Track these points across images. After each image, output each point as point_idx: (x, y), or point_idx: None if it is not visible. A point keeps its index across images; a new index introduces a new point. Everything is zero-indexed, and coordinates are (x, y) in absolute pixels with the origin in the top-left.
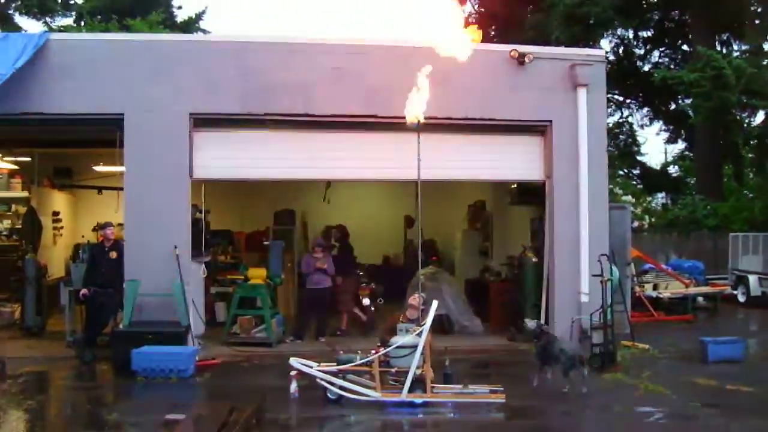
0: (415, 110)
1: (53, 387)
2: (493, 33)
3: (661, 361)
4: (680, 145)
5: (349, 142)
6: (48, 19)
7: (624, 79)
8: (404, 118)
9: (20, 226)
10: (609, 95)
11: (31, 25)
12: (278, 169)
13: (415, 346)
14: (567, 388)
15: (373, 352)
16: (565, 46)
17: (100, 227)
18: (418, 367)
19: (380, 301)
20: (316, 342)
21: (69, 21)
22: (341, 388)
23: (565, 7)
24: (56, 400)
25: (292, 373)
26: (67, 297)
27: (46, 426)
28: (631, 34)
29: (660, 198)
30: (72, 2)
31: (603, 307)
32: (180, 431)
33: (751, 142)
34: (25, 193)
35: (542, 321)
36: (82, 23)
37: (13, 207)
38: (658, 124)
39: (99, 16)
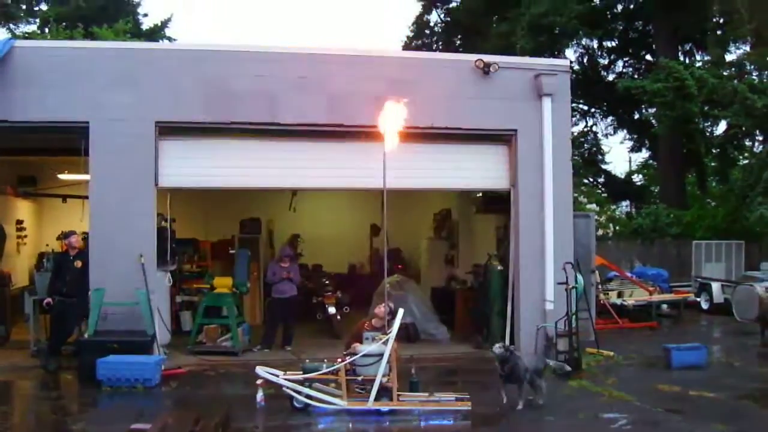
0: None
1: (17, 397)
2: (458, 42)
3: (626, 368)
4: (644, 154)
5: (314, 150)
6: (12, 26)
7: (589, 89)
8: (369, 126)
9: None
10: (574, 104)
11: None
12: (244, 178)
13: (381, 355)
14: (532, 396)
15: (340, 360)
16: (531, 56)
17: (64, 236)
18: (384, 376)
19: (346, 309)
20: (283, 351)
21: (33, 28)
22: (308, 396)
23: (530, 17)
24: (20, 410)
25: (259, 381)
26: (31, 306)
27: None
28: (595, 44)
29: (624, 206)
30: (36, 9)
31: (568, 315)
32: None
33: (714, 151)
34: None
35: (508, 340)
36: (47, 30)
37: None
38: (622, 133)
39: (64, 24)
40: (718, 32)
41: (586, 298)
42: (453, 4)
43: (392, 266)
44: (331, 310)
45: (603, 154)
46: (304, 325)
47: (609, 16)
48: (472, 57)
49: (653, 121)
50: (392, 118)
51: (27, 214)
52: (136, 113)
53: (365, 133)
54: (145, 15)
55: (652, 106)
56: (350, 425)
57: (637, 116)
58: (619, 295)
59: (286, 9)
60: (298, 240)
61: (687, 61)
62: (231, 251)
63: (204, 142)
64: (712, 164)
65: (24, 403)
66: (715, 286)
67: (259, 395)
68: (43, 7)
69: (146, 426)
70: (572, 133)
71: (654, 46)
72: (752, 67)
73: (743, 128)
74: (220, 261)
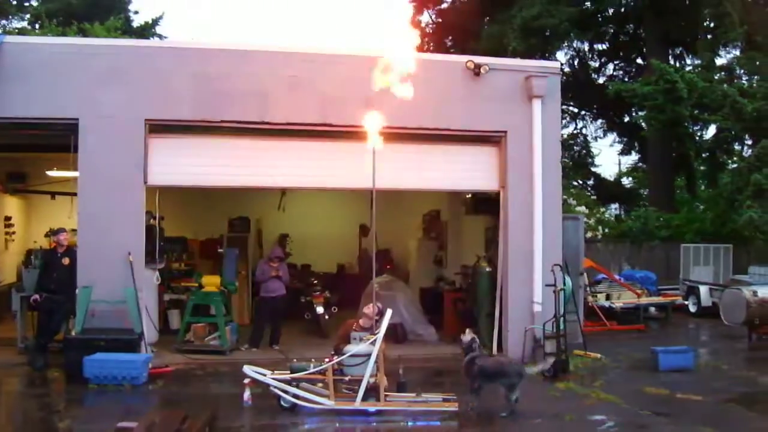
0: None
1: (4, 394)
2: (449, 44)
3: (613, 371)
4: (633, 157)
5: (304, 150)
6: (4, 22)
7: (579, 91)
8: (359, 127)
9: None
10: (564, 107)
11: None
12: (233, 177)
13: (368, 355)
14: (519, 397)
15: (327, 360)
16: (522, 58)
17: (53, 233)
18: (371, 376)
19: (334, 309)
20: (270, 350)
21: (24, 24)
22: (295, 396)
23: (521, 19)
24: (7, 407)
25: (246, 381)
26: (19, 303)
27: None
28: (586, 46)
29: (613, 209)
30: (27, 5)
31: (556, 317)
32: None
33: (703, 155)
34: None
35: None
36: (37, 26)
37: None
38: (611, 136)
39: (55, 20)
40: (709, 36)
41: (574, 300)
42: (444, 5)
43: (381, 266)
44: (320, 309)
45: (592, 157)
46: (292, 324)
47: (600, 19)
48: (463, 58)
49: (643, 124)
50: (376, 118)
51: (15, 211)
52: (125, 110)
53: (355, 133)
54: (136, 12)
55: (642, 109)
56: (337, 425)
57: (627, 119)
58: (608, 297)
59: (278, 9)
60: (287, 240)
61: (677, 64)
62: (219, 250)
63: (194, 140)
64: (702, 168)
65: (10, 401)
66: (703, 290)
67: (246, 394)
68: (34, 2)
69: (133, 424)
70: (562, 135)
71: (644, 49)
72: (742, 71)
73: (732, 132)
74: (209, 260)
